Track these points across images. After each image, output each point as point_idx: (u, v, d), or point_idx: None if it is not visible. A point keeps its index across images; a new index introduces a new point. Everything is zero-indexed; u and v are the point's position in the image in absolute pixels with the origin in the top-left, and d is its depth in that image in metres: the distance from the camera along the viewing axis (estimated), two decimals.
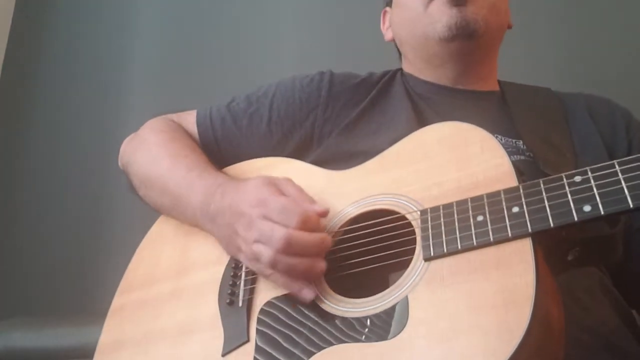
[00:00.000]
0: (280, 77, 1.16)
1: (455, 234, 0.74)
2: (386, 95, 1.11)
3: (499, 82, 1.17)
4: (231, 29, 1.90)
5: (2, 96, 1.97)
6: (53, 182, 1.85)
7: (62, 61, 1.99)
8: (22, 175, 1.89)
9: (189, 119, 1.15)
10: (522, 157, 0.97)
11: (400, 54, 1.25)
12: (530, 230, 0.70)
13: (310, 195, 0.87)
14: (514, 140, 1.01)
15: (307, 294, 0.80)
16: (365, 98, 1.10)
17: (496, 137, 0.83)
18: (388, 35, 1.24)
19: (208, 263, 0.93)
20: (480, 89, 1.13)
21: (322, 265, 0.81)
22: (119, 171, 1.16)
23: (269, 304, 0.84)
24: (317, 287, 0.82)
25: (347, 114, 1.08)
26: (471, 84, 1.12)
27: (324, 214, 0.84)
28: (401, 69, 1.21)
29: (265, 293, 0.85)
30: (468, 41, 1.06)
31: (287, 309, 0.82)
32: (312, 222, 0.81)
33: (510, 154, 0.80)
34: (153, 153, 1.06)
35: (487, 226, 0.72)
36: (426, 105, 1.09)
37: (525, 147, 0.99)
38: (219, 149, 1.12)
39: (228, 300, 0.87)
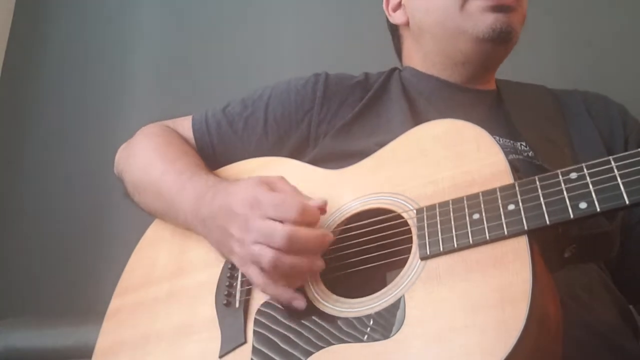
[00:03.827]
0: (279, 79, 1.14)
1: (452, 232, 0.74)
2: (382, 97, 1.10)
3: (495, 80, 1.16)
4: (230, 33, 1.89)
5: (2, 96, 1.97)
6: (53, 182, 1.85)
7: (62, 62, 1.99)
8: (22, 175, 1.89)
9: (185, 124, 1.14)
10: (520, 157, 0.96)
11: (400, 43, 1.21)
12: (526, 227, 0.69)
13: (306, 194, 0.87)
14: (511, 142, 1.00)
15: (299, 303, 0.79)
16: (360, 100, 1.08)
17: (494, 138, 0.82)
18: (399, 18, 1.16)
19: (205, 264, 0.93)
20: (481, 88, 1.12)
21: (320, 263, 0.80)
22: None
23: (265, 304, 0.84)
24: (314, 287, 0.82)
25: (343, 115, 1.07)
26: (477, 84, 1.11)
27: (323, 207, 0.82)
28: (397, 68, 1.19)
29: (262, 294, 0.84)
30: (501, 46, 1.05)
31: (283, 309, 0.81)
32: (310, 214, 0.79)
33: (507, 154, 0.79)
34: (146, 159, 1.05)
35: (483, 224, 0.72)
36: (426, 103, 1.08)
37: (522, 148, 0.99)
38: (215, 153, 1.11)
39: (225, 302, 0.86)
